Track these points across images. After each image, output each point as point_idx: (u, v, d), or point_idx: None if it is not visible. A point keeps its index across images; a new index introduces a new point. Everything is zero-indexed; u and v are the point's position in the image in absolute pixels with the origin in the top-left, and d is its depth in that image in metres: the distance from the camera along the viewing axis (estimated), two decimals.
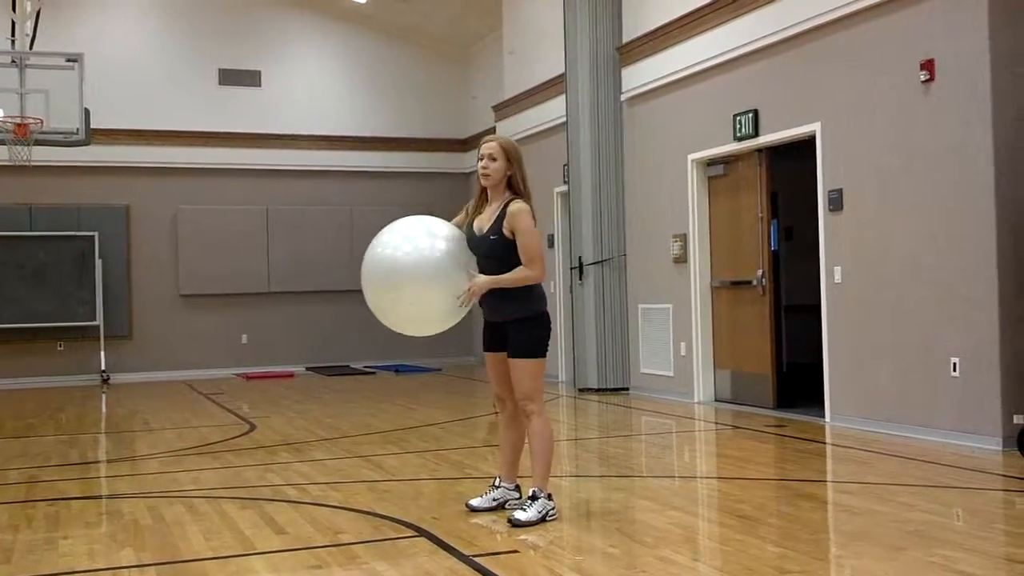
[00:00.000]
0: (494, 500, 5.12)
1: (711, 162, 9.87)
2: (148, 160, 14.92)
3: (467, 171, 16.39)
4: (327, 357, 15.73)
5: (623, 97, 11.11)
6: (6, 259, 14.07)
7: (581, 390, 11.28)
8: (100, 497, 6.03)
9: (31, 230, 14.29)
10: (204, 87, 15.35)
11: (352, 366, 15.65)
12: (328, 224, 15.83)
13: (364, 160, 16.05)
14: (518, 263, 4.86)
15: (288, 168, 15.66)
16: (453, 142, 16.52)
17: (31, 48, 11.95)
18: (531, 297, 4.94)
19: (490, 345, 5.11)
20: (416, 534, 4.74)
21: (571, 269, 11.62)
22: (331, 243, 15.74)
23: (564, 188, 12.13)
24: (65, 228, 14.40)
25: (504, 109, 13.98)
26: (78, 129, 11.53)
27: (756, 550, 4.31)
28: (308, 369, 15.32)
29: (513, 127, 13.71)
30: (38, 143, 11.47)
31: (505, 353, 4.97)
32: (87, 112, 11.54)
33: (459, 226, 5.08)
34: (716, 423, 8.70)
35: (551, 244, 12.85)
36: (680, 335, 10.26)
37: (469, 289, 4.79)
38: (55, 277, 14.25)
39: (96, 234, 14.40)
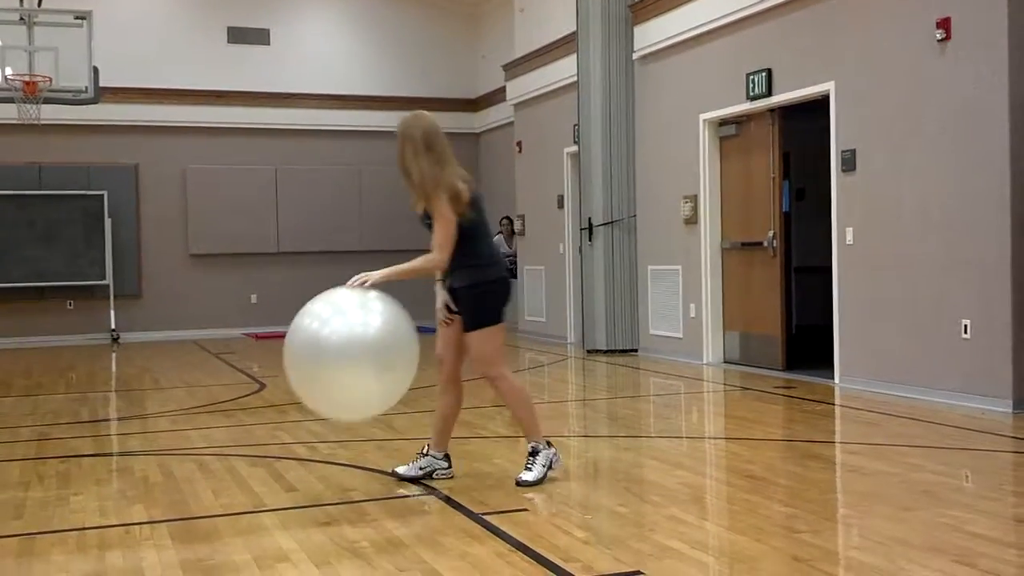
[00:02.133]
0: (420, 468, 5.00)
1: (723, 122, 9.79)
2: (157, 119, 14.86)
3: (477, 131, 16.30)
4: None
5: (635, 56, 11.01)
6: (16, 218, 14.08)
7: (590, 351, 11.28)
8: (111, 454, 6.06)
9: (40, 189, 14.28)
10: (213, 45, 15.26)
11: None
12: (337, 184, 15.80)
13: (373, 119, 15.94)
14: (464, 241, 4.73)
15: (297, 128, 15.59)
16: (462, 102, 16.40)
17: (39, 5, 11.87)
18: (479, 267, 4.81)
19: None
20: (426, 492, 4.76)
21: (580, 230, 11.58)
22: (340, 203, 15.72)
23: (574, 148, 12.05)
24: (74, 187, 14.39)
25: (514, 68, 13.88)
26: (87, 87, 11.49)
27: (765, 510, 4.31)
28: None
29: (523, 87, 13.61)
30: (47, 101, 11.44)
31: (455, 315, 4.88)
32: (96, 70, 11.50)
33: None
34: (725, 384, 8.70)
35: (560, 205, 12.80)
36: (690, 296, 10.23)
37: (363, 281, 4.59)
38: (65, 236, 14.26)
39: (105, 193, 14.39)
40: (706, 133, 9.92)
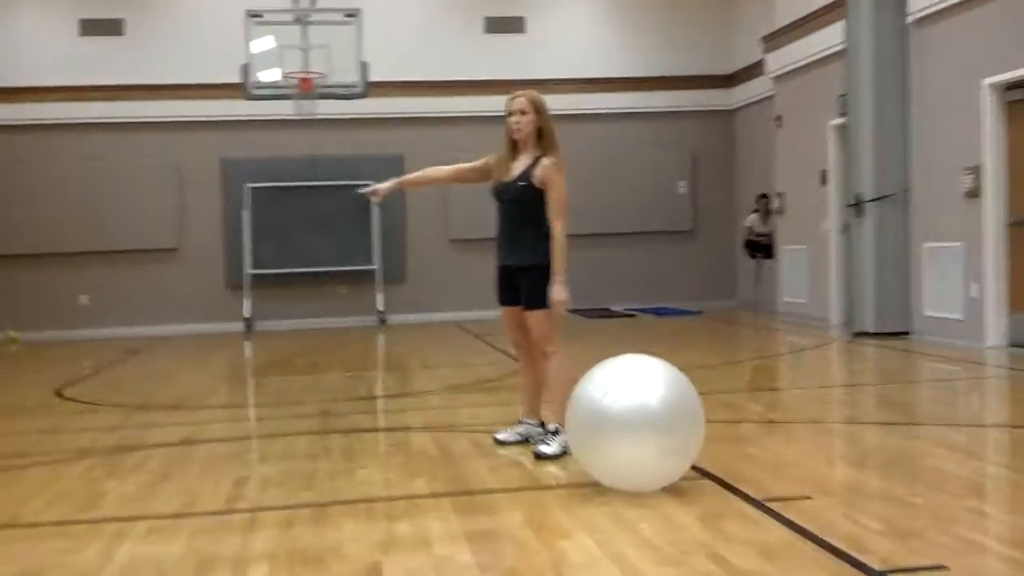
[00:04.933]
0: (518, 434, 5.38)
1: (1010, 86, 9.03)
2: (419, 111, 15.42)
3: (732, 107, 15.90)
4: (588, 300, 15.78)
5: (908, 19, 10.33)
6: (295, 208, 15.00)
7: (856, 334, 10.74)
8: (390, 430, 6.31)
9: (315, 180, 15.15)
10: (471, 36, 15.65)
11: (612, 308, 15.67)
12: (590, 168, 15.82)
13: (627, 101, 15.86)
14: (536, 211, 5.09)
15: (552, 113, 15.70)
16: (717, 78, 16.01)
17: (313, 5, 12.55)
18: (546, 249, 5.08)
19: (504, 300, 5.35)
20: (701, 476, 4.64)
21: (847, 207, 11.04)
22: (593, 187, 15.73)
23: (838, 121, 11.50)
24: (345, 178, 15.16)
25: (774, 40, 13.40)
26: (357, 82, 12.06)
27: None
28: (569, 312, 15.43)
29: (784, 58, 13.13)
30: (320, 97, 12.10)
31: (519, 307, 5.21)
32: (364, 65, 12.03)
33: (478, 171, 5.43)
34: (1011, 368, 8.05)
35: (823, 181, 12.24)
36: (971, 275, 9.53)
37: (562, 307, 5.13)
38: (336, 224, 15.07)
39: (373, 183, 15.01)
40: (990, 99, 9.18)
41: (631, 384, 4.28)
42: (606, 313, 15.18)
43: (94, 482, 5.02)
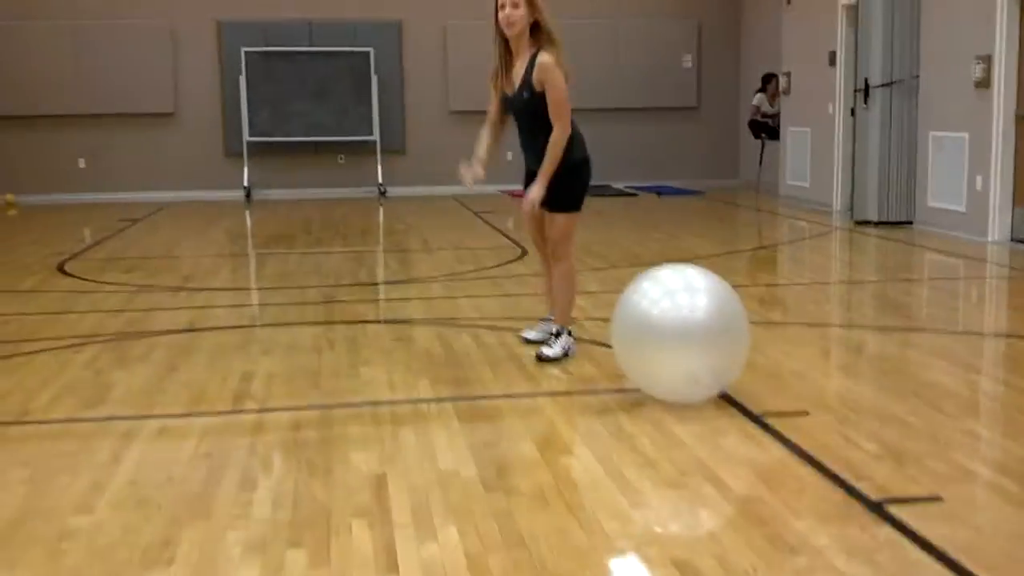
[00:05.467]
0: (544, 331, 5.32)
1: None
2: None
3: None
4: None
5: None
6: (290, 74, 14.70)
7: (858, 222, 10.73)
8: (392, 322, 6.33)
9: (311, 45, 14.82)
10: None
11: (613, 185, 15.58)
12: (593, 39, 15.47)
13: None
14: (549, 116, 4.90)
15: None
16: None
17: None
18: (572, 144, 4.97)
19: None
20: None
21: (855, 92, 10.87)
22: (595, 59, 15.42)
23: (851, 1, 11.22)
24: (342, 43, 14.84)
25: None
26: None
27: None
28: None
29: None
30: None
31: (541, 209, 5.05)
32: None
33: (499, 106, 5.14)
34: (1011, 267, 8.08)
35: (831, 62, 12.01)
36: (977, 168, 9.46)
37: (530, 204, 4.95)
38: (334, 92, 14.81)
39: (371, 50, 14.76)
40: None
41: (681, 297, 4.24)
42: (607, 190, 15.08)
43: (101, 373, 5.09)
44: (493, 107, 5.21)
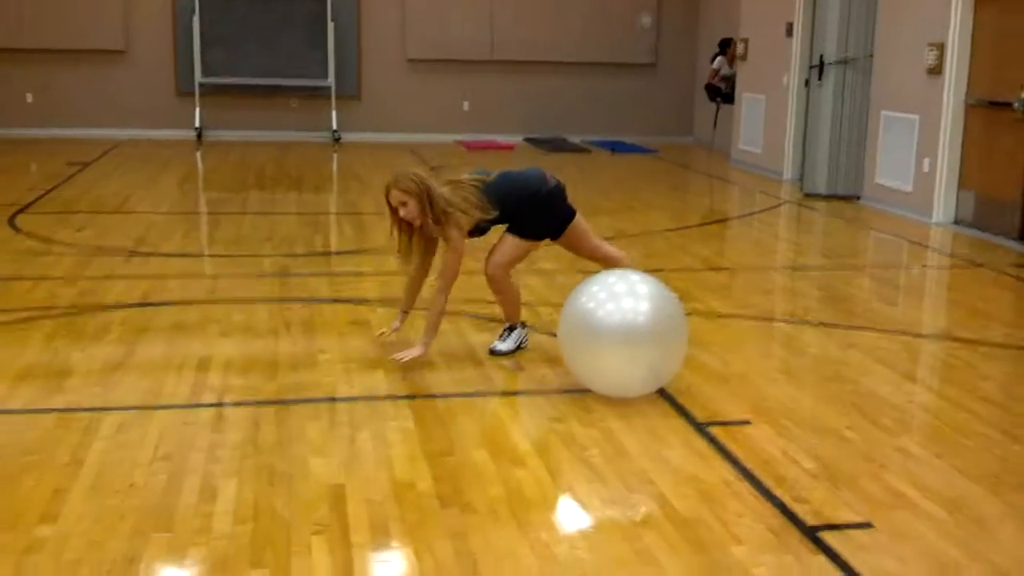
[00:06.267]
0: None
1: None
2: None
3: None
4: (545, 128, 15.72)
5: None
6: (245, 15, 14.47)
7: (808, 195, 10.93)
8: (348, 301, 6.35)
9: None
10: None
11: (568, 139, 15.62)
12: None
13: None
14: (512, 228, 5.08)
15: None
16: None
17: None
18: (535, 208, 5.10)
19: None
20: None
21: (810, 67, 10.98)
22: (554, 10, 15.36)
23: None
24: None
25: None
26: None
27: (1002, 449, 4.19)
28: (526, 140, 15.39)
29: None
30: None
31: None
32: None
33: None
34: (952, 256, 8.32)
35: (788, 33, 12.08)
36: (924, 150, 9.66)
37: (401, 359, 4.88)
38: (290, 35, 14.62)
39: None
40: None
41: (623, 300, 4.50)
42: (563, 145, 15.12)
43: (58, 353, 5.12)
44: (411, 267, 5.20)
